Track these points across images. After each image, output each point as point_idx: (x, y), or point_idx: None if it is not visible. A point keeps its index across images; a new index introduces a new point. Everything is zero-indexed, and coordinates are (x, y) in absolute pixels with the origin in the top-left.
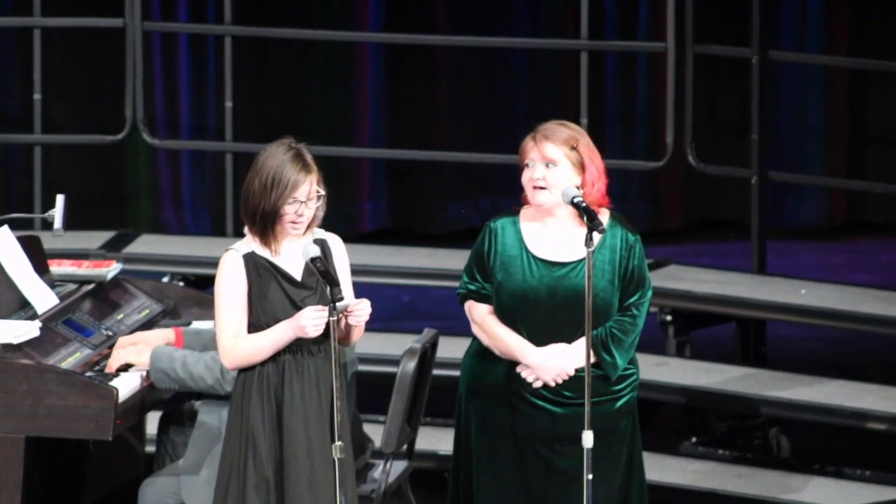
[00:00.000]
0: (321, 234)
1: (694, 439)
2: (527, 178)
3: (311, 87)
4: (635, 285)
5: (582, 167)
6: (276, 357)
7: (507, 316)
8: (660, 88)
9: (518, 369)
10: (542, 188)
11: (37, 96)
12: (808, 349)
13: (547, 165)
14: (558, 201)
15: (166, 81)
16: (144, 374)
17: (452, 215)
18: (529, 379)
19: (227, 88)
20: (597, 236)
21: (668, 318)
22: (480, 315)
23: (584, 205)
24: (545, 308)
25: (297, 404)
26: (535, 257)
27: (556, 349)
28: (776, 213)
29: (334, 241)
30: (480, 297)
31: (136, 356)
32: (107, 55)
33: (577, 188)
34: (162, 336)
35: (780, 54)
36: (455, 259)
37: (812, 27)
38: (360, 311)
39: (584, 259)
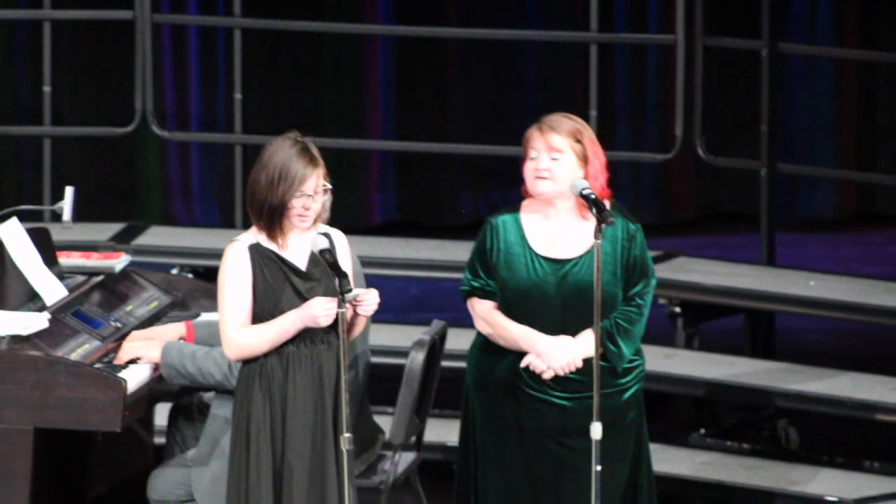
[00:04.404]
0: (324, 229)
1: (703, 431)
2: (531, 168)
3: (321, 80)
4: (638, 275)
5: (585, 160)
6: (279, 349)
7: (514, 313)
8: (669, 81)
9: (524, 361)
10: (544, 178)
11: (46, 88)
12: (818, 341)
13: (552, 156)
14: (560, 192)
15: (176, 74)
16: (153, 366)
17: (462, 207)
18: (540, 369)
19: (237, 80)
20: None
21: (677, 310)
22: (485, 310)
23: (593, 197)
24: (551, 304)
25: (301, 396)
26: (538, 255)
27: (565, 339)
28: (786, 205)
29: (338, 236)
30: (484, 294)
31: (146, 351)
32: (116, 47)
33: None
34: (174, 331)
35: (790, 46)
36: (464, 251)
37: (822, 19)
38: (368, 301)
39: (587, 253)
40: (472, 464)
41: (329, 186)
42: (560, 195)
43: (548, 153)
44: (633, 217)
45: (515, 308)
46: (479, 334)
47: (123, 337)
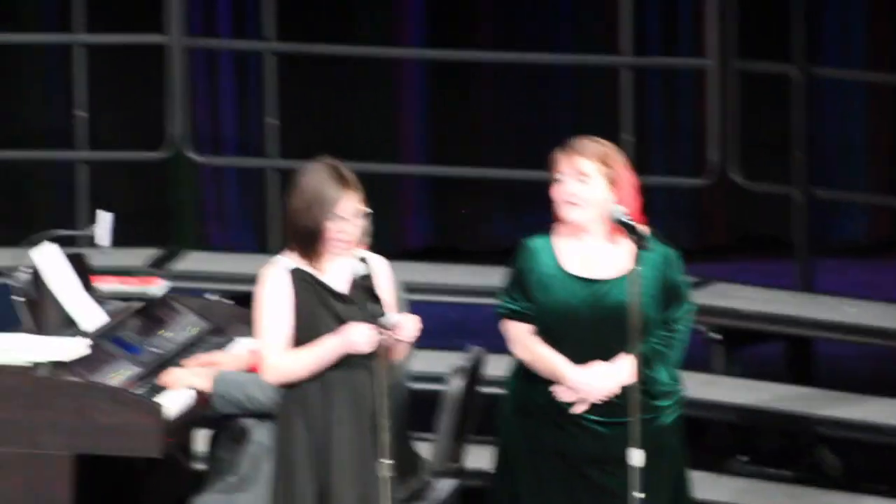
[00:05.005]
0: (364, 254)
1: (743, 458)
2: (558, 192)
3: (355, 104)
4: (676, 299)
5: (614, 183)
6: (320, 374)
7: (550, 335)
8: (703, 105)
9: (555, 390)
10: (573, 204)
11: (81, 113)
12: (857, 367)
13: (580, 180)
14: (591, 219)
15: (210, 98)
16: (195, 392)
17: (497, 232)
18: (569, 399)
19: (270, 105)
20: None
21: (716, 336)
22: (520, 334)
23: (631, 223)
24: (587, 326)
25: (343, 422)
26: (573, 276)
27: (599, 368)
28: (820, 230)
29: (378, 262)
30: (520, 317)
31: (197, 381)
32: (150, 71)
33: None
34: (240, 360)
35: (823, 70)
36: (501, 276)
37: (855, 43)
38: (407, 327)
39: (622, 276)
40: (508, 491)
41: (368, 210)
42: (591, 220)
43: (574, 177)
44: (669, 242)
45: (551, 330)
46: (517, 362)
47: (163, 363)
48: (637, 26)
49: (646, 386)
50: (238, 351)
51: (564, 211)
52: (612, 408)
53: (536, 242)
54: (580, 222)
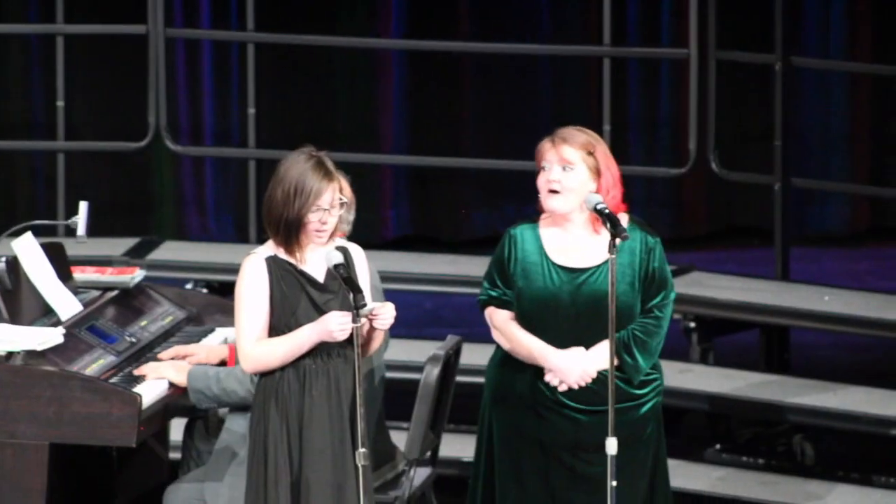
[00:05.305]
0: (342, 243)
1: (718, 446)
2: (543, 180)
3: (334, 94)
4: (657, 287)
5: (598, 173)
6: (296, 362)
7: (529, 322)
8: (683, 95)
9: (545, 376)
10: (555, 192)
11: (60, 103)
12: (832, 356)
13: (564, 168)
14: (572, 207)
15: (189, 88)
16: (169, 382)
17: (475, 222)
18: (554, 383)
19: (250, 95)
20: (619, 242)
21: (692, 324)
22: (501, 321)
23: (607, 212)
24: (567, 314)
25: (318, 410)
26: (554, 264)
27: (578, 352)
28: (799, 219)
29: (355, 251)
30: (501, 304)
31: (174, 375)
32: (130, 62)
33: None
34: (217, 353)
35: (803, 60)
36: (478, 266)
37: (835, 33)
38: (384, 315)
39: (603, 264)
40: (485, 479)
41: (345, 200)
42: (572, 210)
43: (559, 165)
44: (651, 230)
45: (531, 317)
46: (498, 349)
47: (139, 352)
48: (617, 16)
49: (625, 374)
50: (214, 342)
51: (546, 201)
52: (590, 395)
53: (521, 230)
54: (562, 210)
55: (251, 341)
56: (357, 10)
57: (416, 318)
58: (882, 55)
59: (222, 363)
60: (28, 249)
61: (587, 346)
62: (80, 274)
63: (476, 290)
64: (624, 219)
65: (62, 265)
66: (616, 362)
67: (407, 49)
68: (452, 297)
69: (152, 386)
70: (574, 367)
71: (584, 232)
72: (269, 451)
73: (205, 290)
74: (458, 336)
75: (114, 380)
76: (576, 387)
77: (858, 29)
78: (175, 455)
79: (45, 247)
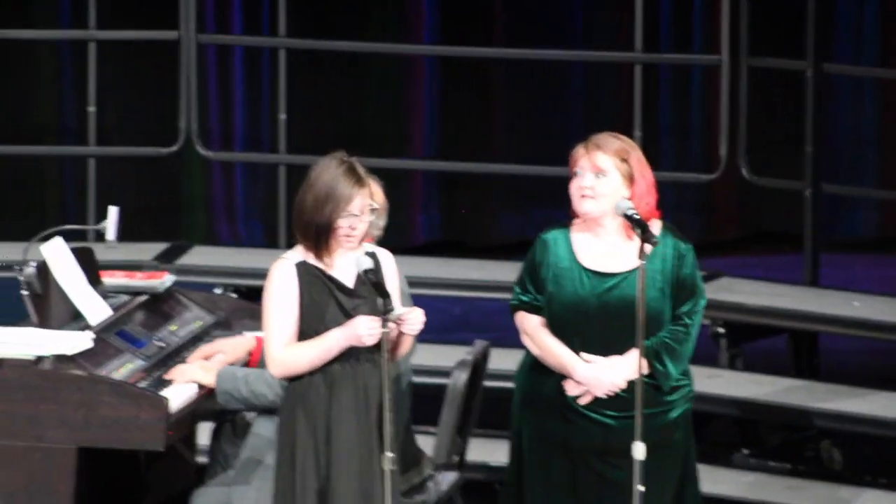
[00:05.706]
0: (371, 248)
1: (746, 451)
2: (575, 186)
3: (365, 99)
4: (687, 294)
5: (631, 180)
6: (324, 367)
7: (559, 327)
8: (714, 101)
9: (565, 385)
10: (589, 197)
11: (91, 108)
12: (861, 362)
13: (597, 175)
14: (605, 212)
15: (221, 93)
16: (198, 385)
17: (504, 227)
18: (573, 393)
19: (281, 100)
20: (649, 248)
21: (721, 330)
22: (532, 326)
23: (637, 217)
24: (596, 319)
25: (346, 415)
26: (585, 269)
27: (606, 363)
28: (830, 225)
29: (384, 256)
30: (532, 309)
31: (202, 376)
32: (161, 67)
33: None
34: (243, 345)
35: (834, 67)
36: (506, 271)
37: (867, 39)
38: (412, 320)
39: (634, 270)
40: (516, 482)
41: (376, 206)
42: (605, 214)
43: (592, 171)
44: (684, 237)
45: (560, 322)
46: (528, 354)
47: (167, 356)
48: (649, 22)
49: (655, 380)
50: (240, 338)
51: (579, 204)
52: (620, 401)
53: (553, 236)
54: (594, 215)
55: (280, 346)
56: (388, 16)
57: (444, 322)
58: None
59: (249, 355)
60: (58, 254)
61: (616, 352)
62: (110, 278)
63: (505, 295)
64: (656, 225)
65: (92, 270)
66: (647, 369)
67: (438, 55)
68: (481, 302)
69: (180, 390)
70: (602, 379)
71: (616, 238)
72: (297, 455)
73: (234, 295)
74: (486, 341)
75: (142, 384)
76: (604, 398)
77: (891, 35)
78: (202, 459)
79: (74, 252)
